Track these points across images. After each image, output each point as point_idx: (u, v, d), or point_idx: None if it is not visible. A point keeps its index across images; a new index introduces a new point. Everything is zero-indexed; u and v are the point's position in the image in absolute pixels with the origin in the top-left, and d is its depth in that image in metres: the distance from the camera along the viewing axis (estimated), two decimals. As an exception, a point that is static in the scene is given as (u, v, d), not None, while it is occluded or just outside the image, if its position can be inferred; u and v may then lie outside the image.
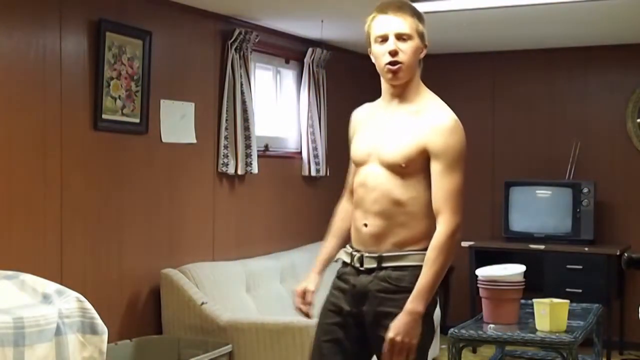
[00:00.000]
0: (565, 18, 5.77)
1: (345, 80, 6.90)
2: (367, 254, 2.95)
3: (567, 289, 6.20)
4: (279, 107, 6.56)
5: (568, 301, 4.66)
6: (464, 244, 6.83)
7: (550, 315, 4.50)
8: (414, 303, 2.83)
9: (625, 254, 5.96)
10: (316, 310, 3.11)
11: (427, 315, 2.91)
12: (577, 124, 7.00)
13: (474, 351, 6.48)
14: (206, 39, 5.52)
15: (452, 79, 7.40)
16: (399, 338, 2.78)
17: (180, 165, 5.28)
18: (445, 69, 7.41)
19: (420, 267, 2.86)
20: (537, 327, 4.57)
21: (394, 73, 2.89)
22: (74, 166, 4.47)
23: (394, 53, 2.87)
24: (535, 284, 5.83)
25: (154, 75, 4.99)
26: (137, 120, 4.89)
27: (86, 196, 4.56)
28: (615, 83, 6.91)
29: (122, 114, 4.78)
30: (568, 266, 6.42)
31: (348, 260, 3.02)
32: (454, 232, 2.85)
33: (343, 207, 3.21)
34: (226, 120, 5.58)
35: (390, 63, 2.88)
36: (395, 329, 2.80)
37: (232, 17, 5.62)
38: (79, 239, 4.51)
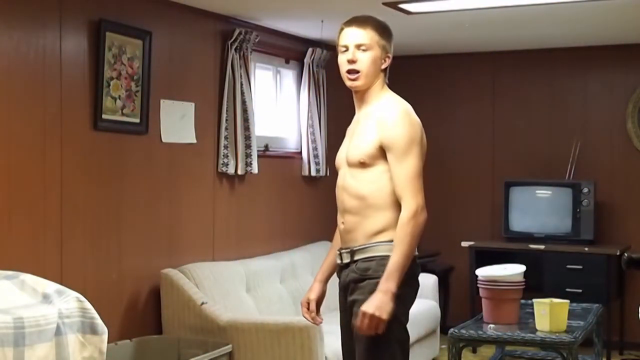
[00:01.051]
0: (565, 18, 5.77)
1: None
2: (344, 251, 3.22)
3: (567, 289, 6.20)
4: (279, 107, 6.56)
5: (568, 301, 4.67)
6: (464, 244, 6.84)
7: (550, 315, 4.50)
8: (385, 283, 3.00)
9: (625, 254, 5.97)
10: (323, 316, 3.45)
11: (400, 304, 3.07)
12: (577, 124, 7.00)
13: (474, 351, 6.48)
14: (206, 39, 5.52)
15: (452, 79, 7.40)
16: (369, 311, 2.96)
17: (180, 165, 5.28)
18: (445, 69, 7.42)
19: (386, 257, 3.06)
20: (537, 327, 4.57)
21: (352, 80, 3.20)
22: (74, 166, 4.47)
23: (352, 61, 3.18)
24: (535, 284, 5.84)
25: (154, 75, 4.99)
26: (137, 120, 4.89)
27: (86, 196, 4.56)
28: (616, 83, 6.91)
29: (122, 114, 4.78)
30: (568, 266, 6.42)
31: (337, 260, 3.29)
32: (415, 212, 3.04)
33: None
34: (226, 120, 5.58)
35: (348, 71, 3.20)
36: (367, 304, 2.99)
37: (232, 17, 5.62)
38: (79, 239, 4.51)
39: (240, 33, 5.59)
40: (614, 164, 6.90)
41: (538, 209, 6.78)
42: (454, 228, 7.31)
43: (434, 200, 7.62)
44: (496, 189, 7.09)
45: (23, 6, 4.19)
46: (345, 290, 3.23)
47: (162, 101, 5.11)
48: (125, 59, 4.78)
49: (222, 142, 5.56)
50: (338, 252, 3.27)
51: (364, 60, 3.18)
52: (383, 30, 3.23)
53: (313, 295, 3.37)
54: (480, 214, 7.29)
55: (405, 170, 3.08)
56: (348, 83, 3.23)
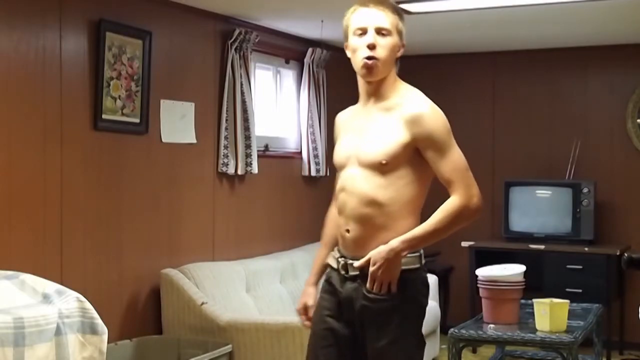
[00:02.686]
0: (566, 18, 5.77)
1: (345, 80, 6.87)
2: (351, 261, 2.88)
3: (567, 289, 6.20)
4: (279, 107, 6.56)
5: (568, 301, 4.67)
6: (464, 244, 6.84)
7: (550, 315, 4.50)
8: (398, 243, 2.79)
9: (625, 254, 5.96)
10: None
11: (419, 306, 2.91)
12: (577, 123, 6.99)
13: (474, 351, 6.48)
14: (206, 39, 5.52)
15: (452, 79, 7.40)
16: (375, 270, 2.78)
17: (181, 165, 5.28)
18: (446, 69, 7.42)
19: (403, 271, 2.82)
20: (537, 327, 4.57)
21: (369, 68, 2.85)
22: (74, 166, 4.47)
23: (372, 47, 2.83)
24: (535, 284, 5.84)
25: (154, 75, 4.99)
26: (137, 120, 4.89)
27: (86, 196, 4.56)
28: (615, 83, 6.91)
29: (122, 114, 4.78)
30: (568, 266, 6.42)
31: (335, 265, 2.98)
32: (472, 203, 2.90)
33: (332, 214, 3.16)
34: (226, 120, 5.58)
35: (367, 57, 2.83)
36: (374, 259, 2.79)
37: (232, 17, 5.62)
38: (79, 239, 4.51)
39: (240, 33, 5.59)
40: (614, 164, 6.90)
41: (538, 209, 6.78)
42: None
43: (433, 200, 7.66)
44: (496, 189, 7.09)
45: (23, 6, 4.19)
46: (345, 303, 2.91)
47: (162, 101, 5.11)
48: (125, 59, 4.78)
49: (222, 142, 5.56)
50: (338, 260, 2.94)
51: (385, 47, 2.84)
52: (400, 14, 2.91)
53: (311, 301, 3.08)
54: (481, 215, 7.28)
55: (455, 162, 2.89)
56: (363, 72, 2.87)
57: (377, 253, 2.79)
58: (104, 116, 4.63)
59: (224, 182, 5.67)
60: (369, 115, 2.92)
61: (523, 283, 4.80)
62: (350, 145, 2.93)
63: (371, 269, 2.79)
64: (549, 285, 6.37)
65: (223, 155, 5.57)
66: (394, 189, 2.84)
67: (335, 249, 3.02)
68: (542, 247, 6.54)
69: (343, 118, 3.10)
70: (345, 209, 2.90)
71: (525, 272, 4.84)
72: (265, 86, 6.39)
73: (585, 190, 6.56)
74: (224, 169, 5.58)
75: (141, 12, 4.92)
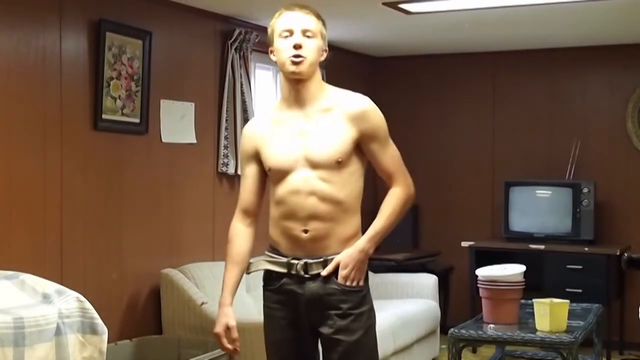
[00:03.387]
0: (566, 18, 5.77)
1: (344, 80, 6.87)
2: (311, 260, 2.97)
3: (567, 289, 6.19)
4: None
5: (568, 301, 4.67)
6: (464, 244, 6.84)
7: (550, 315, 4.50)
8: (365, 243, 2.96)
9: (625, 254, 5.96)
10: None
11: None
12: (577, 123, 6.99)
13: (474, 351, 6.48)
14: (206, 39, 5.51)
15: (452, 79, 7.40)
16: (348, 272, 2.93)
17: (181, 165, 5.28)
18: (446, 69, 7.41)
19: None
20: (537, 327, 4.57)
21: (296, 65, 2.91)
22: (74, 166, 4.47)
23: (298, 46, 2.91)
24: (535, 284, 5.84)
25: (154, 75, 4.99)
26: (137, 120, 4.89)
27: (86, 196, 4.56)
28: (615, 83, 6.91)
29: (122, 114, 4.78)
30: (568, 266, 6.42)
31: (283, 270, 3.03)
32: (410, 190, 3.04)
33: (239, 230, 3.27)
34: (226, 120, 5.58)
35: (294, 56, 2.91)
36: (345, 262, 2.93)
37: (232, 17, 5.62)
38: (79, 238, 4.51)
39: (240, 33, 5.59)
40: (614, 164, 6.89)
41: (538, 209, 6.78)
42: (454, 228, 7.31)
43: (433, 199, 7.71)
44: (496, 189, 7.09)
45: (23, 6, 4.19)
46: (309, 302, 2.98)
47: (162, 101, 5.11)
48: (125, 59, 4.78)
49: (222, 142, 5.56)
50: (290, 262, 3.00)
51: (310, 47, 2.93)
52: (324, 21, 3.02)
53: (232, 321, 3.10)
54: (480, 214, 7.28)
55: (393, 154, 3.04)
56: (291, 68, 2.91)
57: (347, 257, 2.94)
58: (104, 116, 4.63)
59: (224, 182, 5.67)
60: (306, 118, 2.98)
61: (523, 283, 4.80)
62: (294, 149, 2.96)
63: (344, 272, 2.93)
64: (549, 285, 6.37)
65: (223, 155, 5.57)
66: (349, 185, 2.97)
67: (269, 254, 3.12)
68: (542, 247, 6.54)
69: (260, 128, 3.07)
70: (301, 210, 2.95)
71: (525, 272, 4.84)
72: (265, 86, 6.39)
73: (585, 190, 6.56)
74: (224, 169, 5.58)
75: (141, 12, 4.92)
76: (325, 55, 3.02)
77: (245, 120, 5.67)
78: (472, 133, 7.34)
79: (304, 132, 2.97)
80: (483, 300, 4.84)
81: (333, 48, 6.58)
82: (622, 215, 6.84)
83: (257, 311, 5.28)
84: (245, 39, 5.65)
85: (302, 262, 2.98)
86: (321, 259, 2.96)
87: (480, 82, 7.35)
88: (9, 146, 4.11)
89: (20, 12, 4.17)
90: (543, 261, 6.49)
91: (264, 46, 6.04)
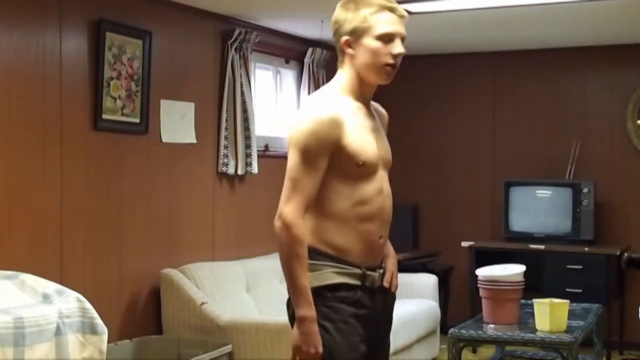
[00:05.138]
0: (565, 18, 5.77)
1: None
2: (379, 270, 2.75)
3: (567, 289, 6.20)
4: (279, 107, 6.56)
5: (568, 301, 4.66)
6: (464, 244, 6.84)
7: (550, 315, 4.50)
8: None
9: (625, 254, 5.97)
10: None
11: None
12: (577, 123, 6.99)
13: (474, 351, 6.48)
14: (206, 39, 5.52)
15: (452, 79, 7.40)
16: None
17: (181, 165, 5.28)
18: (445, 69, 7.42)
19: None
20: (537, 327, 4.57)
21: (390, 76, 2.72)
22: (74, 166, 4.47)
23: (398, 56, 2.69)
24: (535, 284, 5.84)
25: (154, 75, 4.99)
26: (137, 120, 4.89)
27: (86, 196, 4.56)
28: (615, 83, 6.91)
29: (122, 114, 4.78)
30: (568, 266, 6.42)
31: (357, 282, 2.67)
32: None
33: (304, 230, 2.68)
34: (226, 120, 5.58)
35: (392, 66, 2.69)
36: (395, 272, 2.83)
37: (232, 17, 5.62)
38: (79, 239, 4.51)
39: (240, 33, 5.59)
40: (614, 164, 6.89)
41: (538, 209, 6.78)
42: (454, 228, 7.31)
43: (433, 199, 7.71)
44: (496, 189, 7.09)
45: (23, 6, 4.19)
46: (376, 320, 2.74)
47: (162, 101, 5.11)
48: (125, 59, 4.78)
49: (222, 142, 5.56)
50: (366, 274, 2.67)
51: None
52: None
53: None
54: (480, 214, 7.29)
55: None
56: (383, 77, 2.71)
57: (395, 266, 2.83)
58: (104, 116, 4.63)
59: (224, 182, 5.67)
60: (371, 117, 2.80)
61: (523, 283, 4.80)
62: (375, 146, 2.72)
63: (397, 281, 2.83)
64: (549, 285, 6.37)
65: (223, 155, 5.57)
66: None
67: (335, 264, 2.66)
68: (542, 247, 6.54)
69: (342, 113, 2.67)
70: (382, 214, 2.72)
71: (525, 272, 4.84)
72: (265, 86, 6.39)
73: (585, 190, 6.56)
74: (224, 169, 5.58)
75: (141, 12, 4.92)
76: None
77: (245, 120, 5.67)
78: (472, 133, 7.34)
79: (373, 131, 2.76)
80: (483, 300, 4.84)
81: (333, 48, 6.59)
82: (622, 215, 6.85)
83: (257, 311, 5.28)
84: (246, 39, 5.65)
85: (377, 273, 2.72)
86: (382, 270, 2.77)
87: (481, 82, 7.35)
88: (9, 146, 4.11)
89: (21, 11, 4.17)
90: (543, 261, 6.49)
91: (264, 46, 6.10)
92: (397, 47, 2.69)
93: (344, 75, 2.76)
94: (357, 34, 2.71)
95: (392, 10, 2.69)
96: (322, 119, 2.61)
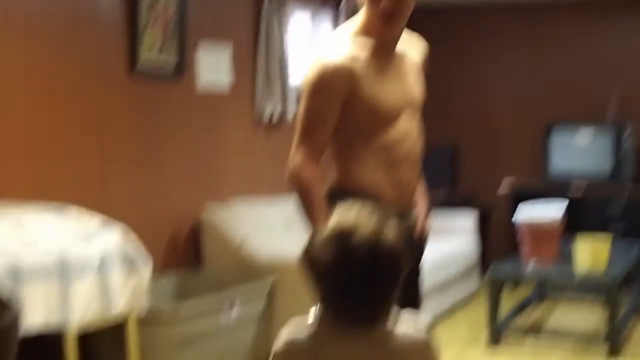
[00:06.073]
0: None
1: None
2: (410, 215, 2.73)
3: (608, 230, 6.14)
4: (318, 49, 6.48)
5: (609, 237, 4.62)
6: (504, 183, 6.79)
7: (591, 252, 4.47)
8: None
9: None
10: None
11: None
12: (619, 66, 6.88)
13: (514, 287, 6.49)
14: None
15: (491, 26, 7.28)
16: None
17: (219, 107, 5.28)
18: (485, 17, 7.29)
19: None
20: (578, 264, 4.55)
21: (384, 22, 2.62)
22: (111, 109, 4.46)
23: (389, 6, 2.58)
24: (576, 225, 5.80)
25: (190, 19, 4.95)
26: (174, 63, 4.86)
27: (126, 136, 4.57)
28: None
29: (159, 58, 4.75)
30: (609, 207, 6.36)
31: None
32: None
33: (317, 176, 2.65)
34: (263, 64, 5.53)
35: (382, 14, 2.59)
36: (427, 217, 2.84)
37: (270, -44, 5.55)
38: (121, 175, 4.53)
39: (277, -27, 5.53)
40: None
41: (579, 151, 6.70)
42: (494, 169, 7.26)
43: (473, 140, 7.64)
44: (536, 131, 7.01)
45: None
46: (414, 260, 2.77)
47: (199, 44, 5.09)
48: (162, 1, 4.73)
49: (259, 85, 5.54)
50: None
51: None
52: None
53: None
54: (520, 155, 7.22)
55: None
56: (380, 23, 2.62)
57: (425, 211, 2.80)
58: (141, 60, 4.61)
59: (261, 124, 5.67)
60: (394, 57, 2.69)
61: (564, 221, 4.77)
62: (397, 90, 2.65)
63: (428, 225, 2.80)
64: (589, 225, 6.32)
65: (259, 100, 5.56)
66: None
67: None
68: (583, 186, 6.48)
69: (355, 60, 2.60)
70: (410, 157, 2.67)
71: (566, 213, 4.80)
72: (302, 29, 6.31)
73: (627, 131, 6.47)
74: (261, 112, 5.58)
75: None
76: None
77: (281, 64, 5.62)
78: (511, 77, 7.25)
79: (399, 73, 2.68)
80: (523, 238, 4.83)
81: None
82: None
83: (297, 249, 5.31)
84: (283, -21, 5.58)
85: (412, 217, 2.73)
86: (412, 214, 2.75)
87: (521, 26, 7.22)
88: (48, 90, 4.11)
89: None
90: (584, 202, 6.44)
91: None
92: None
93: (361, 16, 2.67)
94: None
95: None
96: (329, 68, 2.57)
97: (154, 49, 4.70)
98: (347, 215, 1.80)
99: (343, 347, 1.77)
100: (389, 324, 1.78)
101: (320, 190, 2.62)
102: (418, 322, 1.85)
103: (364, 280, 1.73)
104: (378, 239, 1.73)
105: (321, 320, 1.80)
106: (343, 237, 1.76)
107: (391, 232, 1.76)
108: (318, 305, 1.80)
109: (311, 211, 2.58)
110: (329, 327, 1.79)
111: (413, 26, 2.84)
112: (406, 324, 1.81)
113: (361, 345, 1.77)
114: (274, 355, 1.84)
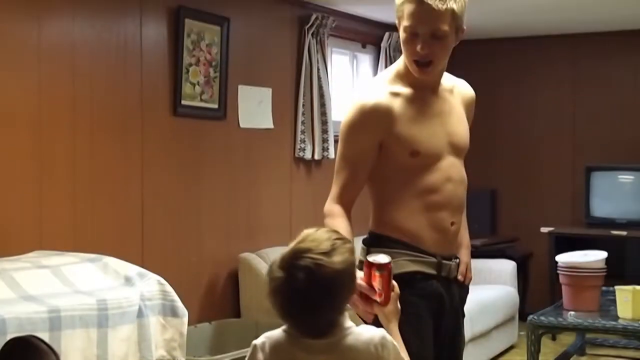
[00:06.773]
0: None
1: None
2: (455, 259, 2.63)
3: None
4: (355, 92, 6.55)
5: (652, 287, 4.55)
6: (544, 229, 6.73)
7: (633, 302, 4.40)
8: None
9: None
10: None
11: None
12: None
13: (554, 338, 6.38)
14: (283, 25, 5.53)
15: (532, 62, 7.27)
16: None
17: (258, 150, 5.32)
18: (525, 52, 7.29)
19: None
20: (619, 314, 4.48)
21: (418, 71, 2.64)
22: (154, 151, 4.54)
23: (423, 54, 2.60)
24: (618, 271, 5.70)
25: (232, 61, 5.03)
26: (216, 106, 4.94)
27: (166, 180, 4.63)
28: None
29: (201, 100, 4.83)
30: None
31: (433, 271, 2.55)
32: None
33: (341, 212, 2.61)
34: (303, 105, 5.60)
35: (417, 62, 2.62)
36: (469, 264, 2.76)
37: (308, 2, 5.63)
38: (160, 222, 4.58)
39: (317, 18, 5.60)
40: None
41: (620, 194, 6.63)
42: (534, 214, 7.20)
43: (513, 184, 7.60)
44: (577, 174, 6.95)
45: (105, -5, 4.26)
46: (453, 312, 2.62)
47: (239, 87, 5.15)
48: (204, 45, 4.83)
49: (299, 127, 5.58)
50: (441, 263, 2.55)
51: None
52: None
53: None
54: (560, 199, 7.16)
55: None
56: (414, 70, 2.65)
57: (468, 257, 2.72)
58: (183, 102, 4.69)
59: (300, 167, 5.70)
60: (436, 101, 2.63)
61: (604, 270, 4.70)
62: (439, 133, 2.58)
63: (470, 274, 2.72)
64: (631, 272, 6.23)
65: (300, 140, 5.59)
66: None
67: (410, 252, 2.54)
68: (624, 233, 6.39)
69: (392, 102, 2.57)
70: (452, 201, 2.58)
71: (607, 259, 4.74)
72: (342, 71, 6.38)
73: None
74: (301, 154, 5.61)
75: (219, -2, 4.97)
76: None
77: (322, 105, 5.68)
78: (552, 116, 7.21)
79: (442, 115, 2.61)
80: (563, 287, 4.76)
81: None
82: None
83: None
84: (322, 24, 5.65)
85: (453, 263, 2.60)
86: (457, 259, 2.65)
87: (561, 65, 7.20)
88: (92, 132, 4.20)
89: (102, 1, 4.25)
90: (625, 247, 6.36)
91: (341, 31, 6.09)
92: (420, 44, 2.54)
93: (399, 61, 2.69)
94: (397, 22, 2.68)
95: (419, 2, 2.53)
96: (366, 107, 2.53)
97: (196, 92, 4.77)
98: (309, 237, 2.00)
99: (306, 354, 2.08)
100: (344, 330, 2.01)
101: (340, 225, 2.51)
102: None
103: (305, 298, 1.97)
104: (321, 262, 1.94)
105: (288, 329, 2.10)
106: (294, 257, 1.98)
107: (340, 256, 1.95)
108: None
109: None
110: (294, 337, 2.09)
111: (455, 60, 2.82)
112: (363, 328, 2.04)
113: (320, 350, 2.04)
114: (253, 347, 2.14)
